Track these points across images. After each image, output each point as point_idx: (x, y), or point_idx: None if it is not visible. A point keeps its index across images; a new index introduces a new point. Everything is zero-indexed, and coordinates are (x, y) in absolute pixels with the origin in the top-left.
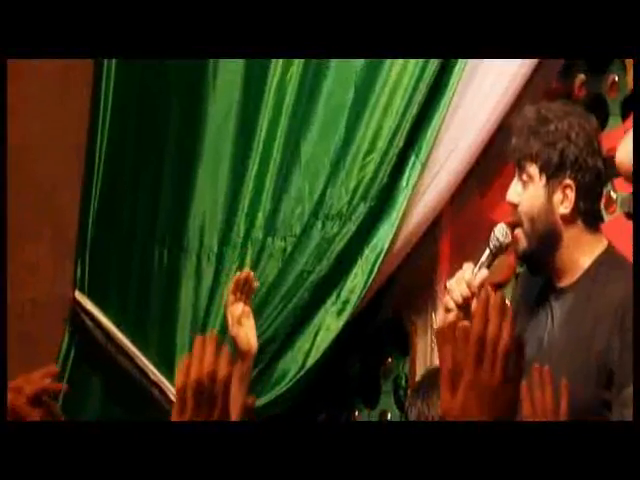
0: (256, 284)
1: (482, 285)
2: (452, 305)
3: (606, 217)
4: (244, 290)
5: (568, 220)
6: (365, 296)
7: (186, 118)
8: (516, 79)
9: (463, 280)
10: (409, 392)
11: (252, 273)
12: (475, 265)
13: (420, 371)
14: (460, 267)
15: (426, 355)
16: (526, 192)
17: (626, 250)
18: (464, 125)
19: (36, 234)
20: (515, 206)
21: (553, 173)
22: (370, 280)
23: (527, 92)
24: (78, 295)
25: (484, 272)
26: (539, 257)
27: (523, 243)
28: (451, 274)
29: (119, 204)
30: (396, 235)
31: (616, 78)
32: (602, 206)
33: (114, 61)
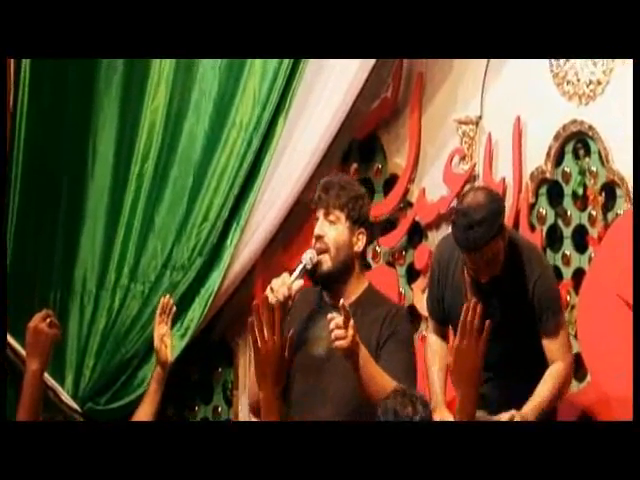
0: (174, 309)
1: (296, 291)
2: (274, 301)
3: (373, 265)
4: (166, 313)
5: (358, 257)
6: (201, 324)
7: (73, 192)
8: (314, 157)
9: (285, 284)
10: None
11: (171, 299)
12: (291, 275)
13: (242, 377)
14: None
15: (245, 366)
16: (333, 229)
17: (384, 289)
18: (271, 201)
19: None
20: (321, 237)
21: (354, 221)
22: (204, 312)
23: (322, 168)
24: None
25: (300, 282)
26: (337, 278)
27: (328, 264)
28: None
29: (24, 261)
30: (223, 280)
31: (380, 166)
32: (370, 257)
33: (26, 103)
